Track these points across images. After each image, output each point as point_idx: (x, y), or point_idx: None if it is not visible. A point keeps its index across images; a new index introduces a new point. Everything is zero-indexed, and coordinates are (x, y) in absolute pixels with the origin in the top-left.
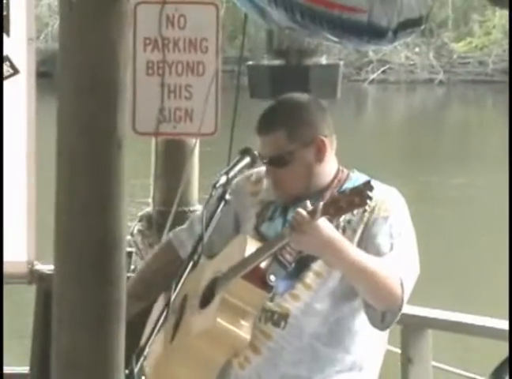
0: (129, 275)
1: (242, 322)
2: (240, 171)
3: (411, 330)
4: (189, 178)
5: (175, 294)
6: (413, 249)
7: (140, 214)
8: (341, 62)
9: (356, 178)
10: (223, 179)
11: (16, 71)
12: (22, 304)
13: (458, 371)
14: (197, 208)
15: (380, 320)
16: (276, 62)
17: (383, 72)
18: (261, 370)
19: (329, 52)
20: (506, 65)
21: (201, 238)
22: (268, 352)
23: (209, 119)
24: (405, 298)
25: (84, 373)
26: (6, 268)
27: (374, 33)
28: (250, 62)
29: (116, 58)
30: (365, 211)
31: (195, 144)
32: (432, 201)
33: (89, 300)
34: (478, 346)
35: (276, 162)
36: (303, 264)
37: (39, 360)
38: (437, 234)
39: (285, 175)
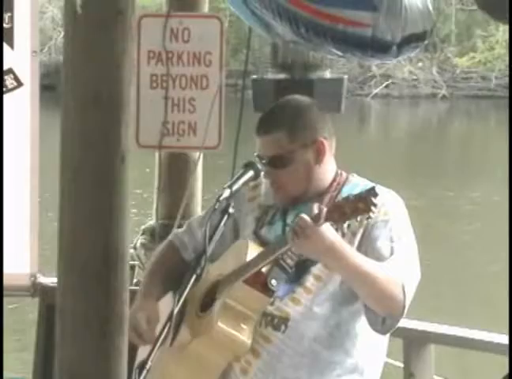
0: (131, 288)
1: (243, 326)
2: (244, 185)
3: (413, 344)
4: (192, 191)
5: (178, 307)
6: (414, 252)
7: (143, 227)
8: (345, 76)
9: (356, 182)
10: (226, 193)
11: (20, 84)
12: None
13: None
14: None
15: (381, 324)
16: (281, 76)
17: (386, 86)
18: (261, 374)
19: (333, 66)
20: (508, 80)
21: (204, 251)
22: (268, 356)
23: (213, 132)
24: (407, 303)
25: None
26: (9, 281)
27: (378, 47)
28: (255, 76)
29: (120, 71)
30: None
31: (199, 158)
32: (434, 215)
33: (92, 313)
34: (480, 360)
35: (276, 162)
36: (302, 267)
37: (42, 372)
38: (435, 246)
39: (284, 176)
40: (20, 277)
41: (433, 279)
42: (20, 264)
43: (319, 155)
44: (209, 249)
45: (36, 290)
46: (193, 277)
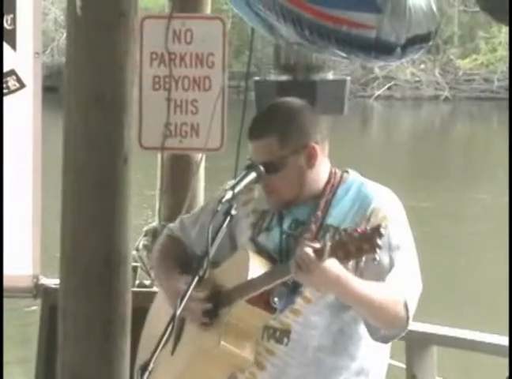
0: (134, 289)
1: (246, 343)
2: (246, 186)
3: (416, 346)
4: (194, 192)
5: (180, 309)
6: (414, 260)
7: (145, 229)
8: (348, 78)
9: (351, 181)
10: (229, 194)
11: (22, 85)
12: None
13: None
14: None
15: (381, 335)
16: (283, 78)
17: (389, 88)
18: None
19: (335, 68)
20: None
21: (206, 253)
22: (273, 368)
23: (215, 134)
24: (410, 318)
25: None
26: (11, 282)
27: (382, 49)
28: (257, 78)
29: (123, 72)
30: (362, 218)
31: (201, 159)
32: (438, 216)
33: (95, 314)
34: (483, 362)
35: (268, 167)
36: None
37: (44, 373)
38: (435, 250)
39: (277, 181)
40: (22, 279)
41: (438, 280)
42: (23, 266)
43: (311, 160)
44: (212, 251)
45: (39, 291)
46: (196, 279)
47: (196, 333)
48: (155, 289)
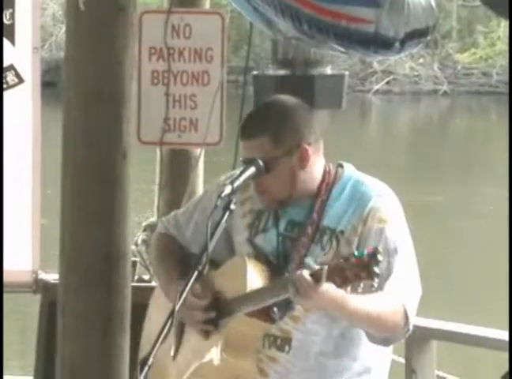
0: (133, 284)
1: (247, 353)
2: (245, 181)
3: (415, 341)
4: (193, 187)
5: (180, 303)
6: (413, 264)
7: (144, 224)
8: (346, 73)
9: (346, 178)
10: (228, 189)
11: (21, 80)
12: None
13: None
14: None
15: (381, 340)
16: (282, 72)
17: (387, 82)
18: None
19: (334, 62)
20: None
21: (206, 248)
22: (275, 375)
23: (214, 129)
24: (411, 324)
25: None
26: (11, 277)
27: (381, 44)
28: (256, 72)
29: (121, 67)
30: (359, 220)
31: (200, 154)
32: (436, 211)
33: (94, 309)
34: (482, 356)
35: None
36: None
37: (43, 369)
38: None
39: (268, 181)
40: (21, 274)
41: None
42: (22, 261)
43: (303, 161)
44: (211, 246)
45: (38, 286)
46: (195, 274)
47: (196, 341)
48: (154, 284)
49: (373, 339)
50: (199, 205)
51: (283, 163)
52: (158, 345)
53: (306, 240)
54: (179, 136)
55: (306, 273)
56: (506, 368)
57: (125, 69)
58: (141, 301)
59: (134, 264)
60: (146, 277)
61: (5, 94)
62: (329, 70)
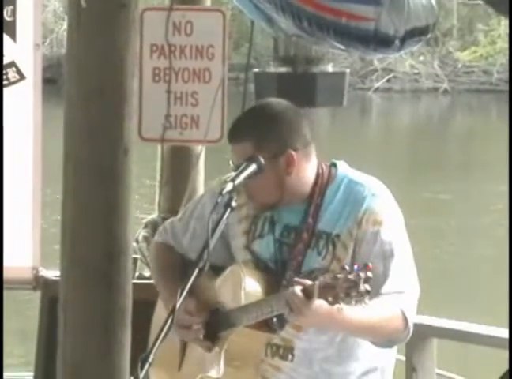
0: (134, 281)
1: (249, 364)
2: (246, 178)
3: (415, 339)
4: (194, 184)
5: (180, 301)
6: (410, 265)
7: (145, 221)
8: (348, 70)
9: (340, 179)
10: (229, 186)
11: (22, 77)
12: None
13: None
14: None
15: (383, 344)
16: (283, 70)
17: (388, 80)
18: None
19: (334, 60)
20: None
21: (206, 245)
22: None
23: (215, 126)
24: (411, 328)
25: None
26: (11, 274)
27: (381, 41)
28: (257, 70)
29: (123, 64)
30: (353, 223)
31: (201, 151)
32: (435, 210)
33: (95, 306)
34: (483, 354)
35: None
36: None
37: (44, 365)
38: (441, 243)
39: (254, 185)
40: (22, 270)
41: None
42: (23, 258)
43: (289, 167)
44: (212, 243)
45: (38, 283)
46: (196, 271)
47: (200, 353)
48: (154, 284)
49: (375, 343)
50: (194, 213)
51: (267, 167)
52: (159, 343)
53: (302, 246)
54: (180, 134)
55: (297, 290)
56: (506, 366)
57: (126, 66)
58: (142, 297)
59: (135, 260)
60: (147, 274)
61: (6, 90)
62: (330, 68)
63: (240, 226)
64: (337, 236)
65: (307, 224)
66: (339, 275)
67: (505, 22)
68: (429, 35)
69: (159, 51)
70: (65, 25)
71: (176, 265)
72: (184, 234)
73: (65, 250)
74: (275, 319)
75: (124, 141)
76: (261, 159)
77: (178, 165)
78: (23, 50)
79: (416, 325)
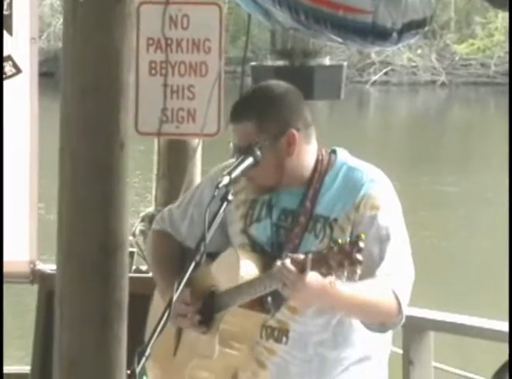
0: (130, 275)
1: (244, 345)
2: (243, 172)
3: (412, 332)
4: (191, 178)
5: (177, 294)
6: (406, 250)
7: (142, 214)
8: (345, 63)
9: (340, 165)
10: (226, 180)
11: (18, 70)
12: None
13: (460, 372)
14: None
15: (377, 328)
16: (280, 63)
17: (385, 73)
18: None
19: (332, 53)
20: (508, 67)
21: (203, 238)
22: (274, 367)
23: (212, 120)
24: (404, 311)
25: (86, 373)
26: (8, 268)
27: (378, 34)
28: (254, 63)
29: (119, 58)
30: (351, 207)
31: (198, 145)
32: (432, 203)
33: (91, 300)
34: (480, 347)
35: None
36: None
37: (41, 359)
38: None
39: (256, 167)
40: (19, 264)
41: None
42: (20, 252)
43: (290, 147)
44: (209, 236)
45: (35, 277)
46: (193, 264)
47: (195, 336)
48: (151, 274)
49: (368, 326)
50: (193, 200)
51: (268, 148)
52: (156, 336)
53: (299, 229)
54: (177, 127)
55: (288, 262)
56: (504, 359)
57: (122, 60)
58: (139, 291)
59: (132, 254)
60: (144, 268)
61: (3, 84)
62: (327, 61)
63: (238, 211)
64: (335, 220)
65: (305, 208)
66: (332, 247)
67: (502, 15)
68: (426, 28)
69: (155, 45)
70: (62, 19)
71: (174, 254)
72: (182, 221)
73: (62, 244)
74: (270, 299)
75: (120, 135)
76: (258, 152)
77: (175, 159)
78: (19, 44)
79: (413, 318)
